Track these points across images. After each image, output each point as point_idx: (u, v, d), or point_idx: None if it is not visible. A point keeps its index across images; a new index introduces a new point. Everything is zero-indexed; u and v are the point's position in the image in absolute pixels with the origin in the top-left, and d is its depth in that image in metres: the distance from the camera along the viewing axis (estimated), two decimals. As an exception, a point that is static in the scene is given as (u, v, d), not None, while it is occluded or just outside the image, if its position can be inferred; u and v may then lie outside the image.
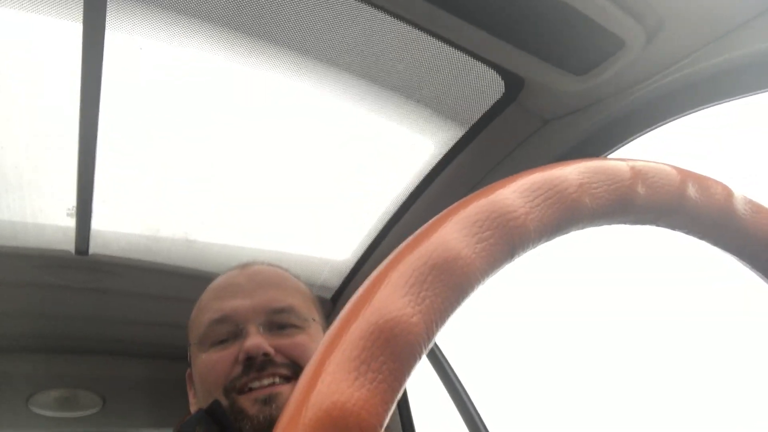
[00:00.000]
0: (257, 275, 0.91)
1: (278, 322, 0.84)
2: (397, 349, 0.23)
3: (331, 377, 0.22)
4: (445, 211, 0.28)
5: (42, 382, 1.87)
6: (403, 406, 1.77)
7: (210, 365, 0.82)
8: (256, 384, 0.79)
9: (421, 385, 1.75)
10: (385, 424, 0.22)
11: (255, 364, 0.79)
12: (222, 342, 0.83)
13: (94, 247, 1.45)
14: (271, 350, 0.80)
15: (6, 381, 1.82)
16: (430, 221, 0.27)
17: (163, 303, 1.71)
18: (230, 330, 0.83)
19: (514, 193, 0.29)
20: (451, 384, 1.59)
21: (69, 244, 1.42)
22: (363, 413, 0.21)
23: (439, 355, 1.62)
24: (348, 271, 1.60)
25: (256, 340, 0.79)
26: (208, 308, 0.87)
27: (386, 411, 0.22)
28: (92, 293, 1.61)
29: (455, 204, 0.28)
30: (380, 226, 1.40)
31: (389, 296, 0.24)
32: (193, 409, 0.89)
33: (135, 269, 1.53)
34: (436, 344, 1.57)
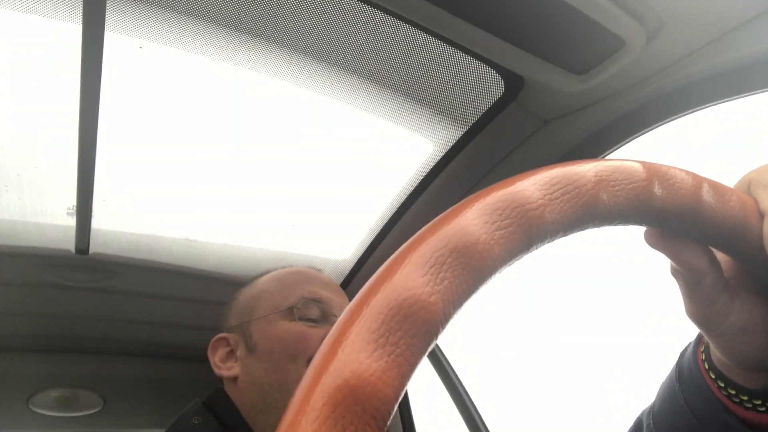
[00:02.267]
0: (333, 282, 1.02)
1: None
2: (415, 326, 0.24)
3: (350, 347, 0.22)
4: (466, 198, 0.29)
5: (42, 381, 1.87)
6: (404, 406, 1.77)
7: (300, 336, 0.89)
8: None
9: (421, 385, 1.75)
10: (400, 398, 0.23)
11: None
12: (312, 320, 0.91)
13: (94, 247, 1.45)
14: None
15: (6, 381, 1.82)
16: (452, 207, 0.28)
17: (164, 302, 1.71)
18: (319, 314, 0.92)
19: (534, 185, 0.30)
20: (451, 384, 1.59)
21: (69, 243, 1.42)
22: (380, 384, 0.22)
23: (440, 355, 1.62)
24: (348, 271, 1.60)
25: None
26: (299, 286, 0.95)
27: (402, 384, 0.23)
28: (92, 292, 1.61)
29: (476, 193, 0.29)
30: (380, 226, 1.40)
31: (409, 274, 0.24)
32: (228, 373, 0.91)
33: (135, 268, 1.53)
34: (436, 344, 1.57)
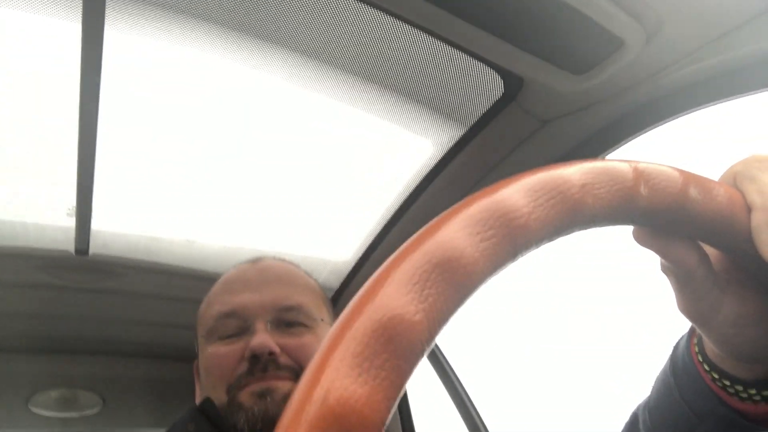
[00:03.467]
0: (268, 270, 0.91)
1: (286, 319, 0.84)
2: (400, 347, 0.23)
3: (334, 373, 0.21)
4: (448, 210, 0.28)
5: (42, 382, 1.87)
6: (404, 406, 1.77)
7: (217, 359, 0.82)
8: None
9: (421, 385, 1.75)
10: (387, 422, 0.22)
11: (260, 363, 0.79)
12: (229, 336, 0.83)
13: (93, 247, 1.45)
14: (276, 349, 0.80)
15: (6, 381, 1.82)
16: (434, 220, 0.27)
17: (163, 303, 1.71)
18: (238, 325, 0.83)
19: (517, 192, 0.29)
20: (451, 384, 1.59)
21: (69, 244, 1.42)
22: (366, 410, 0.21)
23: (439, 355, 1.62)
24: (348, 271, 1.60)
25: (263, 338, 0.79)
26: (217, 301, 0.87)
27: (389, 408, 0.22)
28: (92, 293, 1.61)
29: (459, 203, 0.28)
30: (380, 227, 1.40)
31: (392, 294, 0.24)
32: (198, 401, 0.88)
33: (135, 269, 1.53)
34: (436, 344, 1.57)
